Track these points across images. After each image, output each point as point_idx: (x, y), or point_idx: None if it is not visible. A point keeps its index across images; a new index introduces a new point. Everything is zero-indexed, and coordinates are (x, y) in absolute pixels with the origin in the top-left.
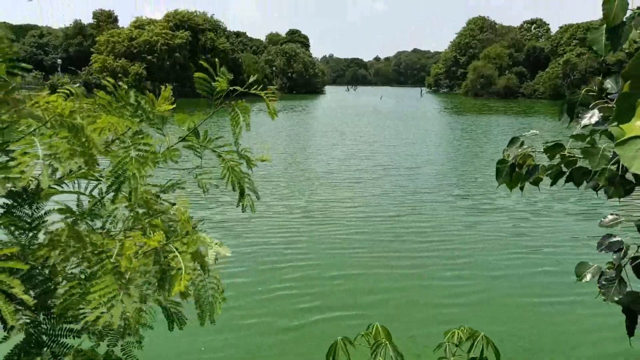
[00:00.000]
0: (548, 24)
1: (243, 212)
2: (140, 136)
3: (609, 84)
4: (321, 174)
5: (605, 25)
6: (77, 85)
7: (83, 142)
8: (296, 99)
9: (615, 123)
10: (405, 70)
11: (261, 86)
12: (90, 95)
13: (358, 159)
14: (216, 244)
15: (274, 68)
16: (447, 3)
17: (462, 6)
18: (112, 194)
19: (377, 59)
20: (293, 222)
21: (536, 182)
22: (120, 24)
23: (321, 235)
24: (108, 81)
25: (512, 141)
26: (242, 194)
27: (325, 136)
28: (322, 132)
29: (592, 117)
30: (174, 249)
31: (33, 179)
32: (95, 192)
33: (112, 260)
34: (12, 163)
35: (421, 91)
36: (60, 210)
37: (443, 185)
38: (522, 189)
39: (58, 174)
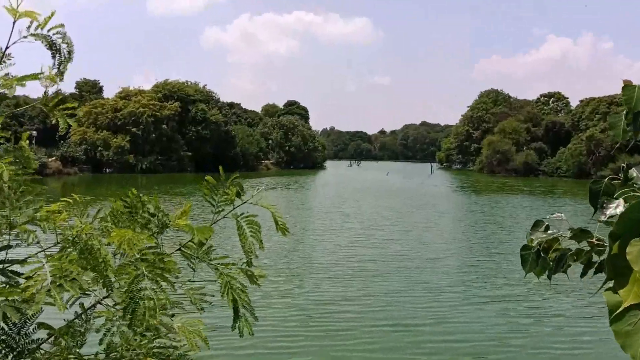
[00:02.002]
0: (567, 98)
1: (241, 336)
2: (159, 255)
3: (634, 172)
4: (323, 266)
5: (625, 111)
6: (53, 159)
7: (99, 263)
8: (294, 174)
9: (608, 286)
10: (413, 145)
11: (256, 160)
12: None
13: (365, 247)
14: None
15: (270, 141)
16: (455, 75)
17: (471, 78)
18: (126, 316)
19: (382, 132)
20: (289, 329)
21: (565, 271)
22: (106, 94)
23: (324, 349)
24: (130, 193)
25: (536, 224)
26: (236, 314)
27: (327, 218)
28: (322, 212)
29: (617, 207)
30: None
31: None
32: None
33: None
34: (19, 287)
35: (431, 167)
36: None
37: (468, 282)
38: (549, 277)
39: (66, 296)
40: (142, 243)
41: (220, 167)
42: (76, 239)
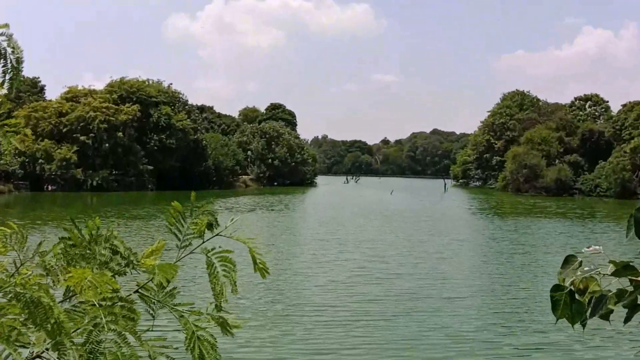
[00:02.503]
0: (607, 101)
1: None
2: (122, 300)
3: None
4: (315, 307)
5: None
6: None
7: (52, 324)
8: (278, 192)
9: None
10: (422, 157)
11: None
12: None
13: (367, 284)
14: None
15: (249, 152)
16: (473, 73)
17: (492, 77)
18: None
19: (385, 141)
20: None
21: (605, 316)
22: (49, 95)
23: None
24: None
25: (567, 261)
26: None
27: (319, 247)
28: (313, 240)
29: None
30: None
31: None
32: None
33: None
34: None
35: (445, 184)
36: None
37: (493, 327)
38: (584, 325)
39: None
40: (107, 288)
41: (192, 194)
42: (19, 289)
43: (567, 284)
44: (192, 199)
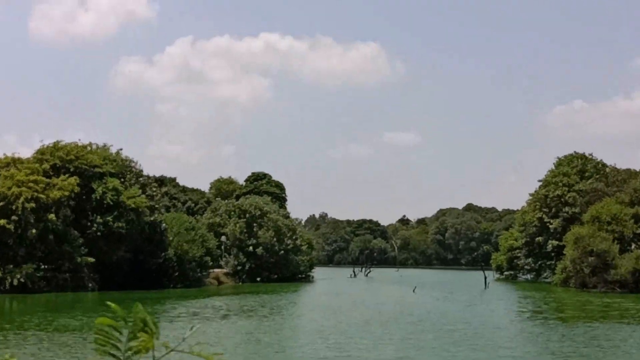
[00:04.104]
0: None
1: None
2: None
3: None
4: None
5: None
6: None
7: None
8: (262, 290)
9: None
10: (454, 241)
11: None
12: None
13: None
14: None
15: (223, 238)
16: (518, 130)
17: (543, 135)
18: None
19: (404, 221)
20: None
21: None
22: None
23: None
24: None
25: None
26: None
27: None
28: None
29: None
30: None
31: None
32: None
33: None
34: None
35: (485, 278)
36: None
37: None
38: None
39: None
40: None
41: (136, 306)
42: None
43: None
44: (134, 310)
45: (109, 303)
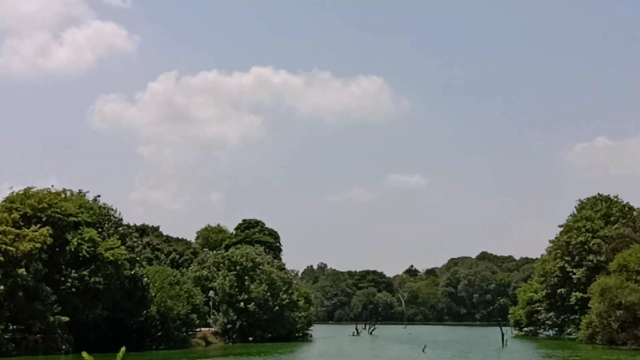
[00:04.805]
0: None
1: None
2: None
3: None
4: None
5: None
6: None
7: None
8: (255, 351)
9: None
10: (467, 294)
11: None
12: None
13: None
14: None
15: (212, 293)
16: (535, 170)
17: (563, 175)
18: None
19: (411, 271)
20: None
21: None
22: None
23: None
24: None
25: None
26: None
27: None
28: None
29: None
30: None
31: None
32: None
33: None
34: None
35: (503, 335)
36: None
37: None
38: None
39: None
40: None
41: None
42: None
43: None
44: None
45: (84, 354)
